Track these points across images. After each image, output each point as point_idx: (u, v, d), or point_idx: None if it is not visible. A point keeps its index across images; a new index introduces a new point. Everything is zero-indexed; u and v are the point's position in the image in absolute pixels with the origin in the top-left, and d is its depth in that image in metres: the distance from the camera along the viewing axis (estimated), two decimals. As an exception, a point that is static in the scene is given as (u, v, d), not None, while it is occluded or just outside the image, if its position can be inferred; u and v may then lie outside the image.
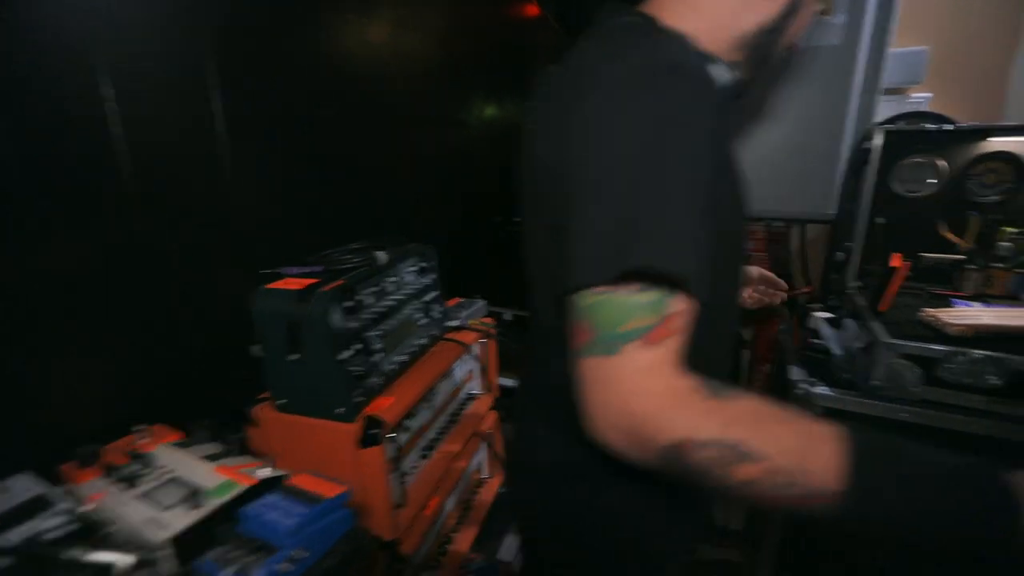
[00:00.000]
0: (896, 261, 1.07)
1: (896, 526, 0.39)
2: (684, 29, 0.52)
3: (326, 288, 0.75)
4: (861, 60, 1.36)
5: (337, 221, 1.16)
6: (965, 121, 1.44)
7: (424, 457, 0.99)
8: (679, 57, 0.44)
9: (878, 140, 1.17)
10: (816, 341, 1.12)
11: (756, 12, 0.53)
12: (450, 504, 1.11)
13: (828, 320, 1.17)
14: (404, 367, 0.92)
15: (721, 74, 0.52)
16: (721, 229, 0.49)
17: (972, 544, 0.39)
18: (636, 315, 0.40)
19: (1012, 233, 1.12)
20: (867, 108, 1.48)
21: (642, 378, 0.40)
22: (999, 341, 0.88)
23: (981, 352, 0.86)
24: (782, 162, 1.49)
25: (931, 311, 0.96)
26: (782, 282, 1.03)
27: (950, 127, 1.13)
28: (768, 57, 0.57)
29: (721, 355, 0.63)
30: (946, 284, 1.17)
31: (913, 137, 1.16)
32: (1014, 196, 1.11)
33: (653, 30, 0.51)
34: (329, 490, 0.51)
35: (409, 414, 0.94)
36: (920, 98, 1.48)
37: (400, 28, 1.38)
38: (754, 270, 1.05)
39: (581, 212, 0.43)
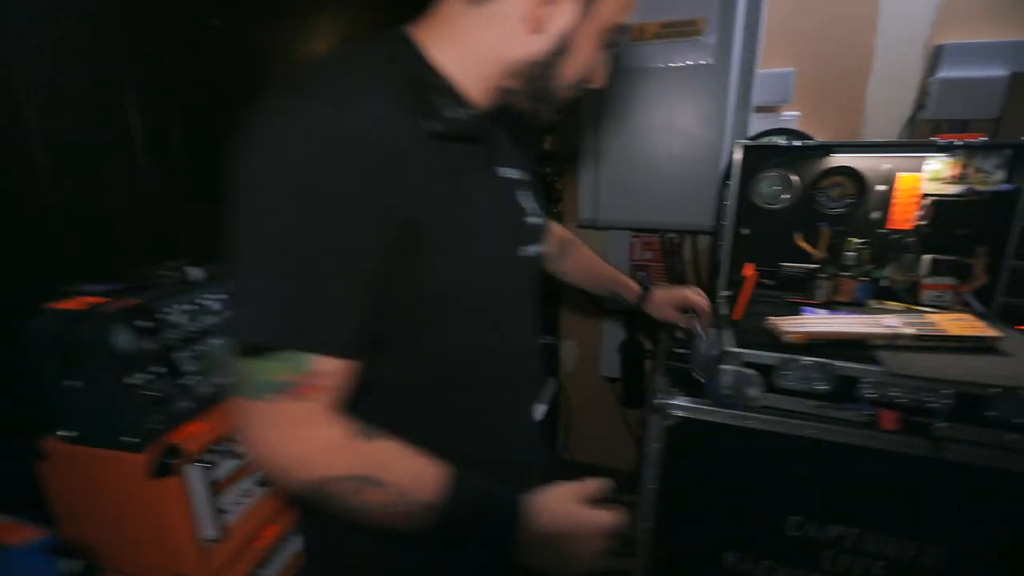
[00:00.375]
0: (748, 271, 1.11)
1: (457, 532, 0.52)
2: (444, 55, 0.53)
3: (112, 308, 0.68)
4: (733, 78, 1.42)
5: (178, 233, 1.07)
6: (829, 138, 1.54)
7: (263, 484, 0.92)
8: (356, 120, 0.44)
9: (738, 155, 1.22)
10: (680, 350, 1.14)
11: (521, 46, 0.52)
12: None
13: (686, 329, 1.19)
14: (233, 389, 0.85)
15: (454, 112, 0.50)
16: (475, 269, 0.53)
17: (490, 545, 0.54)
18: (280, 371, 0.45)
19: (857, 244, 1.18)
20: (742, 124, 1.55)
21: (290, 428, 0.46)
22: (830, 347, 0.91)
23: (810, 359, 0.89)
24: (670, 175, 1.54)
25: (773, 319, 0.99)
26: (703, 308, 1.08)
27: (799, 143, 1.18)
28: (548, 90, 0.57)
29: (506, 381, 0.64)
30: (803, 292, 1.22)
31: (768, 152, 1.21)
32: (856, 209, 1.18)
33: (381, 64, 0.49)
34: (17, 536, 0.44)
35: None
36: (790, 116, 1.56)
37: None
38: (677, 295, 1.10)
39: (230, 265, 0.46)
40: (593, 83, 0.62)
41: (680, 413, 0.98)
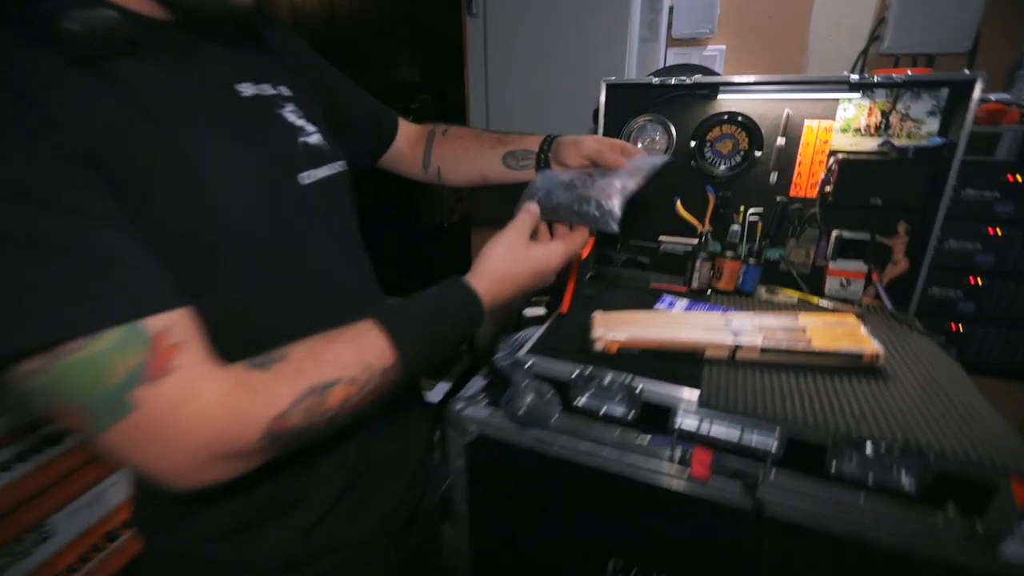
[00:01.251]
0: (587, 249, 0.86)
1: (432, 356, 0.50)
2: None
3: None
4: (637, 2, 1.13)
5: None
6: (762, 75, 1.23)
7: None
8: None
9: (602, 96, 0.94)
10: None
11: None
12: (66, 536, 0.90)
13: (533, 318, 0.97)
14: None
15: (75, 23, 0.36)
16: (208, 208, 0.42)
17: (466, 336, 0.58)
18: (116, 361, 0.34)
19: (750, 215, 0.92)
20: (651, 59, 1.26)
21: (186, 407, 0.36)
22: (652, 359, 0.69)
23: (611, 374, 0.66)
24: (565, 117, 1.27)
25: (598, 316, 0.76)
26: (625, 147, 0.72)
27: (673, 82, 0.90)
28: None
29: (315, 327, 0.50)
30: (683, 276, 0.98)
31: (639, 94, 0.93)
32: (750, 169, 0.91)
33: None
34: None
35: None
36: (715, 50, 1.26)
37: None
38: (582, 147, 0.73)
39: None
40: None
41: (475, 428, 0.78)
